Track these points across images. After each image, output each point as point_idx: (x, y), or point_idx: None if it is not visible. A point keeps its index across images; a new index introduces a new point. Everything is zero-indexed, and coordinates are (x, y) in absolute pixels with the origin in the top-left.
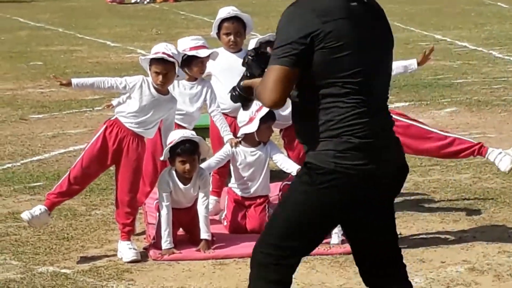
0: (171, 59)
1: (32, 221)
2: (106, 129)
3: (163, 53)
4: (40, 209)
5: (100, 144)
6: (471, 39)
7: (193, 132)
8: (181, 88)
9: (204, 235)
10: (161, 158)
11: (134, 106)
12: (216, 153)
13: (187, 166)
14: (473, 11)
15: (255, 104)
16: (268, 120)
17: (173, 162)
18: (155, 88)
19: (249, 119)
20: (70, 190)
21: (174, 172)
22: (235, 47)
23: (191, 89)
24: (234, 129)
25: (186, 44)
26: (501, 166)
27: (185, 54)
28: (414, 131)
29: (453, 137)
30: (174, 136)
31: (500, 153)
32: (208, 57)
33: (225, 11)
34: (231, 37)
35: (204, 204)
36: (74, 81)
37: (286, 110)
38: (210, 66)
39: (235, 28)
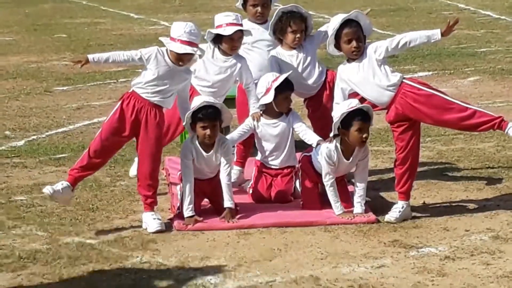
0: (197, 52)
1: (54, 195)
2: (123, 101)
3: (187, 42)
4: (62, 184)
5: (118, 116)
6: (495, 7)
7: (214, 99)
8: (215, 58)
9: (227, 203)
10: (183, 124)
11: (150, 76)
12: (239, 126)
13: (208, 131)
14: None
15: (272, 75)
16: (284, 90)
17: (195, 128)
18: (174, 62)
19: (266, 90)
20: (91, 164)
21: (196, 140)
22: (262, 18)
23: (224, 62)
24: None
25: (216, 21)
26: None
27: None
28: (436, 101)
29: (474, 109)
30: (196, 102)
31: None
32: (241, 34)
33: None
34: (258, 8)
35: (226, 172)
36: (90, 56)
37: (311, 79)
38: None
39: (262, 0)
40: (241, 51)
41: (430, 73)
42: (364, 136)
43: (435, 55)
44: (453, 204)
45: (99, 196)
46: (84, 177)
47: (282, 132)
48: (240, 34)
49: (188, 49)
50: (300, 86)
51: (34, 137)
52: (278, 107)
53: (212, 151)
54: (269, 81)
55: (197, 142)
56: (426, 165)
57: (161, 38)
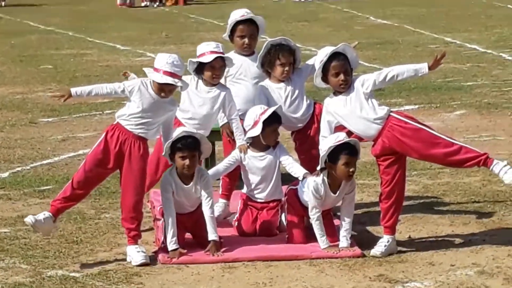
0: (178, 84)
1: (35, 225)
2: (107, 133)
3: (169, 73)
4: (44, 214)
5: (102, 148)
6: (481, 41)
7: (194, 130)
8: (199, 90)
9: (211, 236)
10: (162, 154)
11: (134, 108)
12: (225, 158)
13: (187, 161)
14: (483, 13)
15: (260, 108)
16: (272, 123)
17: (173, 158)
18: (156, 93)
19: (254, 122)
20: (74, 195)
21: (175, 172)
22: (249, 50)
23: (207, 93)
24: (244, 133)
25: (198, 50)
26: (505, 179)
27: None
28: (423, 136)
29: (460, 145)
30: (175, 132)
31: (505, 165)
32: (223, 62)
33: (239, 13)
34: (245, 40)
35: (208, 205)
36: (73, 90)
37: (299, 112)
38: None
39: (249, 31)
40: (227, 83)
41: (417, 106)
42: (351, 170)
43: (422, 89)
44: (439, 239)
45: (84, 229)
46: (67, 208)
47: (269, 165)
48: (221, 63)
49: (169, 80)
50: (288, 119)
51: (19, 168)
52: (266, 140)
53: (191, 183)
54: (257, 113)
55: (176, 175)
56: (412, 199)
57: (144, 69)
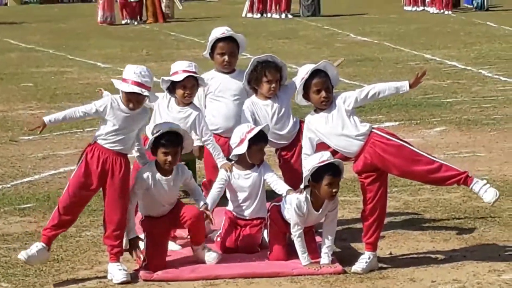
0: (145, 93)
1: (29, 260)
2: (87, 154)
3: (136, 83)
4: (37, 246)
5: (84, 170)
6: (461, 58)
7: (178, 125)
8: (170, 109)
9: (200, 204)
10: (145, 148)
11: (110, 126)
12: (214, 183)
13: (169, 157)
14: (462, 30)
15: (246, 126)
16: (258, 141)
17: (156, 153)
18: (125, 104)
19: (240, 140)
20: (63, 222)
21: (154, 166)
22: (229, 67)
23: (178, 113)
24: (228, 150)
25: (172, 68)
26: (485, 198)
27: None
28: (405, 152)
29: (440, 162)
30: (159, 127)
31: (485, 184)
32: (195, 81)
33: (219, 31)
34: (226, 57)
35: (193, 183)
36: (46, 119)
37: (285, 129)
38: (204, 87)
39: (230, 48)
40: (207, 100)
41: (397, 123)
42: (334, 190)
43: (402, 105)
44: (420, 255)
45: (64, 247)
46: (58, 235)
47: (254, 183)
48: (193, 82)
49: (135, 89)
50: (273, 136)
51: None
52: (251, 159)
53: (170, 176)
54: (244, 132)
55: (155, 168)
56: (393, 216)
57: (113, 80)
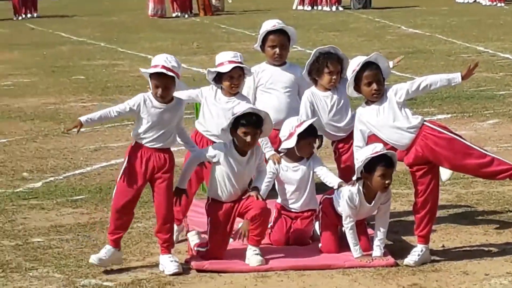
0: (170, 73)
1: (102, 263)
2: (129, 157)
3: (162, 66)
4: (106, 248)
5: (128, 172)
6: None
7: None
8: (217, 100)
9: (256, 183)
10: (223, 128)
11: (145, 124)
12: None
13: (249, 138)
14: None
15: (296, 120)
16: (307, 136)
17: (235, 133)
18: (157, 100)
19: (289, 134)
20: (121, 223)
21: (233, 147)
22: (280, 60)
23: (226, 103)
24: (279, 143)
25: (217, 60)
26: None
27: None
28: (457, 146)
29: (492, 156)
30: (242, 107)
31: None
32: (241, 72)
33: (270, 24)
34: (277, 50)
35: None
36: (83, 119)
37: (343, 122)
38: (255, 79)
39: (281, 41)
40: (258, 92)
41: (449, 115)
42: (386, 182)
43: (454, 98)
44: (473, 248)
45: None
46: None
47: (303, 176)
48: (240, 72)
49: (162, 70)
50: (331, 128)
51: (52, 178)
52: (300, 152)
53: (246, 156)
54: (293, 125)
55: (233, 148)
56: (445, 209)
57: (141, 69)
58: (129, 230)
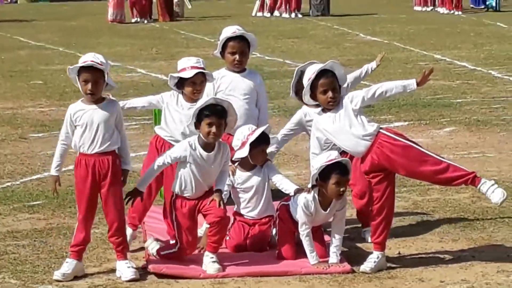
0: (100, 66)
1: (67, 278)
2: (75, 167)
3: (92, 61)
4: (68, 263)
5: (78, 182)
6: (470, 58)
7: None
8: (179, 106)
9: (219, 185)
10: (188, 124)
11: (79, 129)
12: None
13: (213, 128)
14: (472, 31)
15: (247, 129)
16: (260, 144)
17: (199, 126)
18: (86, 99)
19: (241, 143)
20: (82, 240)
21: (197, 142)
22: (240, 66)
23: (189, 109)
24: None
25: (179, 65)
26: (493, 198)
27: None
28: (412, 153)
29: (448, 163)
30: (204, 100)
31: (493, 185)
32: (204, 78)
33: (230, 30)
34: (236, 56)
35: (226, 171)
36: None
37: None
38: (215, 85)
39: (240, 48)
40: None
41: (406, 123)
42: (341, 189)
43: (411, 105)
44: (429, 255)
45: None
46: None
47: (258, 184)
48: (202, 78)
49: (91, 64)
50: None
51: (9, 184)
52: (254, 161)
53: (213, 152)
54: (245, 134)
55: (198, 144)
56: (402, 216)
57: (69, 67)
58: None
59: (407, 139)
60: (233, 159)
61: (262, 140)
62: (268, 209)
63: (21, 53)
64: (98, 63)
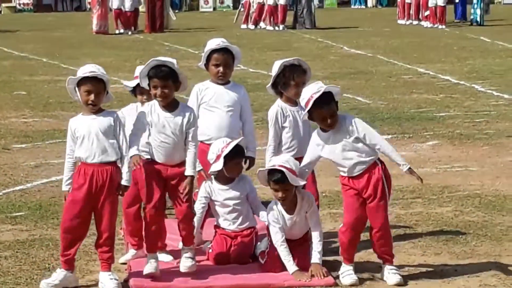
0: (103, 77)
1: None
2: (74, 177)
3: (94, 72)
4: (56, 273)
5: (74, 189)
6: (454, 72)
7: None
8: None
9: (189, 171)
10: (142, 85)
11: (80, 139)
12: (196, 201)
13: (159, 91)
14: (456, 44)
15: (222, 142)
16: (234, 156)
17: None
18: (87, 109)
19: (216, 157)
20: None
21: (156, 103)
22: (224, 79)
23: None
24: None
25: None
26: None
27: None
28: (382, 205)
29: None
30: (149, 62)
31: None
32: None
33: (214, 43)
34: (220, 68)
35: (193, 143)
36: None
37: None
38: (198, 97)
39: (225, 60)
40: (200, 110)
41: (390, 136)
42: (279, 196)
43: (395, 119)
44: (411, 268)
45: (56, 255)
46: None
47: (236, 197)
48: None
49: (94, 74)
50: (302, 143)
51: None
52: (229, 174)
53: (174, 111)
54: (219, 147)
55: (158, 106)
56: None
57: (70, 77)
58: None
59: (389, 191)
60: (209, 172)
61: (237, 153)
62: (249, 221)
63: (4, 63)
64: (100, 74)
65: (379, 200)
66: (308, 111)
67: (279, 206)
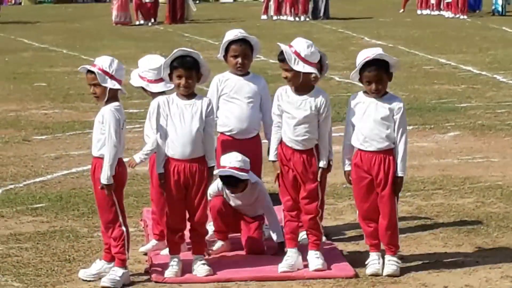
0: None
1: (117, 284)
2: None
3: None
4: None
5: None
6: (476, 63)
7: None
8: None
9: (210, 162)
10: (162, 75)
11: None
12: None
13: (183, 81)
14: (478, 35)
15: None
16: (227, 187)
17: (171, 78)
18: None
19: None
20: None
21: (174, 95)
22: (242, 70)
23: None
24: (242, 152)
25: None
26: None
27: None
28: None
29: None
30: (174, 53)
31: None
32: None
33: (232, 34)
34: (239, 60)
35: (211, 133)
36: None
37: None
38: (218, 88)
39: (243, 51)
40: (220, 101)
41: (411, 127)
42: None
43: (416, 110)
44: (432, 260)
45: (76, 247)
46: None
47: (247, 202)
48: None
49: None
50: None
51: (12, 186)
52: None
53: (192, 100)
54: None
55: (175, 95)
56: (406, 220)
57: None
58: (89, 239)
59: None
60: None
61: (228, 184)
62: (258, 211)
63: (24, 55)
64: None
65: (388, 189)
66: (359, 72)
67: (288, 90)
